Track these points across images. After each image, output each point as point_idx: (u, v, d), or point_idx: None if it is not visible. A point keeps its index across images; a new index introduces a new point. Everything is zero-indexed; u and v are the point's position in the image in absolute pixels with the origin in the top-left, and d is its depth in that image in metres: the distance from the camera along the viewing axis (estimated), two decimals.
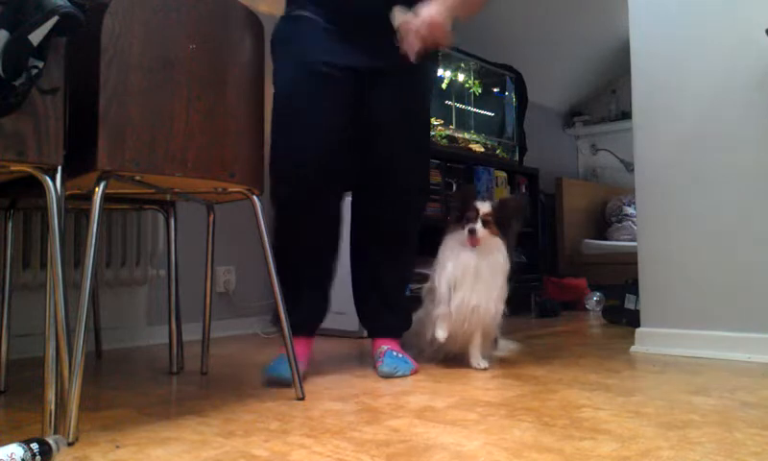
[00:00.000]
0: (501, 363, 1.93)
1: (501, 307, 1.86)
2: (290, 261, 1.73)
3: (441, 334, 1.81)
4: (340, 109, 1.74)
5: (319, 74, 1.70)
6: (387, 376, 1.71)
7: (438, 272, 1.88)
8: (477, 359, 1.84)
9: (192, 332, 2.18)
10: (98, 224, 1.18)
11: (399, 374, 1.72)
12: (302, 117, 1.71)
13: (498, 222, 1.87)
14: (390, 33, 1.72)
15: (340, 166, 1.77)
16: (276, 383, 1.59)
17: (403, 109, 1.83)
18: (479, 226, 1.83)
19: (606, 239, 4.52)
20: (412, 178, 1.89)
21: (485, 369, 1.81)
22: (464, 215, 1.87)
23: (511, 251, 1.88)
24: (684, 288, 2.06)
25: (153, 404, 1.44)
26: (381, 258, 1.88)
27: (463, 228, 1.85)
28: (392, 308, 1.89)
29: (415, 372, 1.76)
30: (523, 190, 3.81)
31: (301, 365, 1.63)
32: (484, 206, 1.87)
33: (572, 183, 4.63)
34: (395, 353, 1.78)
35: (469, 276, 1.82)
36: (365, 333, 1.97)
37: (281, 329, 1.50)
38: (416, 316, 2.03)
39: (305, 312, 1.77)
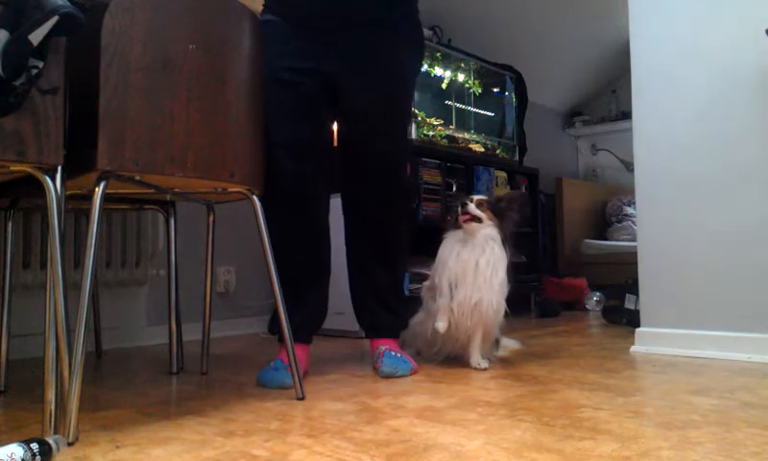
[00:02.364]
0: (501, 363, 1.93)
1: (503, 303, 1.85)
2: (285, 270, 1.67)
3: (441, 325, 1.81)
4: (308, 114, 1.73)
5: (282, 82, 1.69)
6: (387, 377, 1.71)
7: (438, 269, 1.88)
8: (477, 359, 1.84)
9: (192, 332, 2.18)
10: (98, 224, 1.18)
11: (400, 373, 1.72)
12: (273, 126, 1.68)
13: (495, 212, 1.88)
14: (355, 31, 1.72)
15: (316, 170, 1.76)
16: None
17: (378, 111, 1.80)
18: (473, 205, 1.86)
19: (606, 239, 4.52)
20: (396, 179, 1.88)
21: (485, 369, 1.81)
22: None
23: (509, 244, 1.88)
24: (684, 288, 2.06)
25: (153, 404, 1.44)
26: (373, 259, 1.88)
27: (458, 216, 1.87)
28: (388, 308, 1.89)
29: (414, 371, 1.76)
30: (523, 190, 3.80)
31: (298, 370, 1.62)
32: (479, 196, 1.93)
33: (572, 183, 4.63)
34: (393, 353, 1.78)
35: (470, 272, 1.81)
36: (364, 333, 1.97)
37: (281, 330, 1.50)
38: (414, 319, 2.03)
39: (306, 319, 1.77)
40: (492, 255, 1.84)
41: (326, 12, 1.71)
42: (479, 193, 3.37)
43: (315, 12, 1.72)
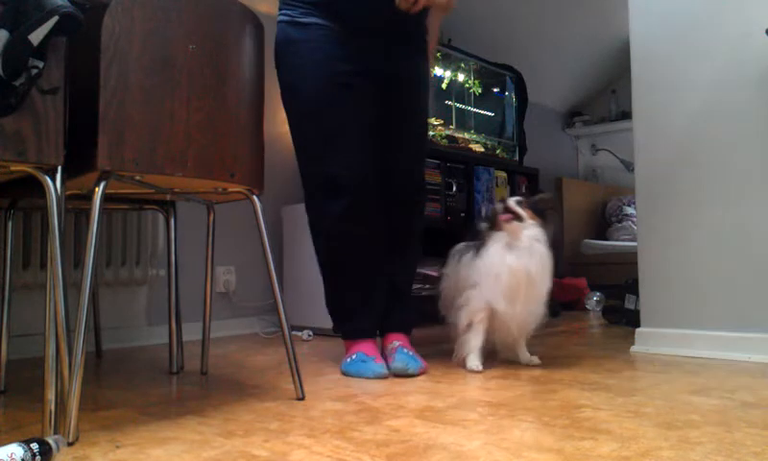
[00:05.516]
0: (501, 363, 1.93)
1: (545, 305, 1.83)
2: (358, 272, 1.82)
3: (476, 365, 1.77)
4: (367, 115, 1.79)
5: (347, 85, 1.74)
6: (398, 373, 1.73)
7: (489, 283, 1.78)
8: (526, 356, 1.87)
9: (192, 332, 2.18)
10: (98, 224, 1.18)
11: (410, 371, 1.74)
12: (343, 130, 1.74)
13: (535, 211, 1.83)
14: (398, 38, 1.81)
15: (374, 172, 1.81)
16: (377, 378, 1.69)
17: (408, 111, 1.89)
18: (513, 202, 1.80)
19: (606, 239, 4.52)
20: (415, 177, 1.96)
21: (537, 365, 1.85)
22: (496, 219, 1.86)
23: (553, 245, 1.83)
24: (684, 288, 2.06)
25: (153, 404, 1.44)
26: (392, 256, 1.91)
27: (500, 220, 1.81)
28: (403, 304, 1.93)
29: (423, 371, 1.77)
30: (523, 190, 3.80)
31: (382, 362, 1.75)
32: (516, 197, 1.85)
33: (572, 183, 4.63)
34: (406, 351, 1.81)
35: (523, 285, 1.75)
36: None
37: (281, 328, 1.50)
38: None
39: (375, 317, 1.86)
40: (542, 261, 1.77)
41: (367, 17, 1.76)
42: (479, 193, 3.38)
43: (357, 16, 1.75)
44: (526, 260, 1.76)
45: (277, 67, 1.80)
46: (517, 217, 1.80)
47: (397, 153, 1.87)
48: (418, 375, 1.74)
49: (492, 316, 1.81)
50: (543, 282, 1.79)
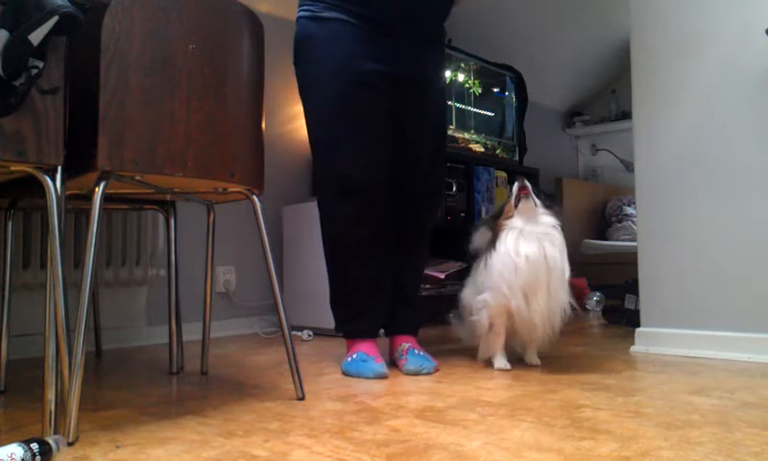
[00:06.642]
0: None
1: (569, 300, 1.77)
2: (365, 273, 1.81)
3: (504, 364, 1.79)
4: (388, 116, 1.78)
5: (366, 84, 1.72)
6: (413, 374, 1.74)
7: (506, 276, 1.71)
8: (533, 358, 1.87)
9: (192, 332, 2.18)
10: (98, 224, 1.18)
11: (425, 371, 1.74)
12: (359, 129, 1.72)
13: (543, 204, 1.84)
14: (420, 38, 1.80)
15: (386, 174, 1.81)
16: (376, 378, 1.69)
17: (429, 112, 1.88)
18: (528, 183, 1.80)
19: (606, 239, 4.52)
20: (434, 178, 1.95)
21: (536, 365, 1.85)
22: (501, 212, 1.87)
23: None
24: (684, 288, 2.06)
25: (153, 404, 1.44)
26: (402, 256, 1.91)
27: (513, 206, 1.80)
28: (410, 305, 1.93)
29: (437, 370, 1.78)
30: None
31: (383, 362, 1.74)
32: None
33: (572, 183, 4.63)
34: (416, 351, 1.81)
35: (543, 274, 1.68)
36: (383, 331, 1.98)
37: (281, 328, 1.50)
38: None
39: (378, 317, 1.86)
40: (557, 244, 1.72)
41: (401, 15, 1.75)
42: (479, 193, 3.38)
43: (382, 14, 1.74)
44: (544, 247, 1.70)
45: (295, 64, 1.79)
46: (532, 198, 1.80)
47: (415, 154, 1.86)
48: (432, 373, 1.75)
49: (513, 316, 1.74)
50: (564, 269, 1.72)
